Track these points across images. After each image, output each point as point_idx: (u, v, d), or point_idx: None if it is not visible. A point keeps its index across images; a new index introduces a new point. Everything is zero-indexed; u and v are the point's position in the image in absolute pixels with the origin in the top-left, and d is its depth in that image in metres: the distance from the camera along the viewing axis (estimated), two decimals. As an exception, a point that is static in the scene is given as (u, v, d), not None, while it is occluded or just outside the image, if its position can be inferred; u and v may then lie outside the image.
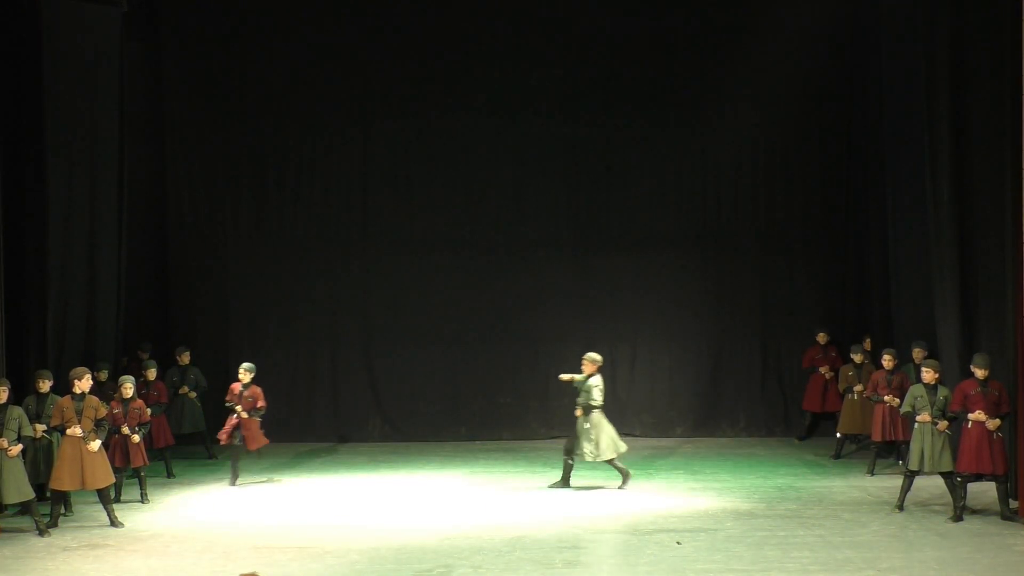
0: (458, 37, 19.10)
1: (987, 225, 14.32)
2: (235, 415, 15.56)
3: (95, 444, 13.31)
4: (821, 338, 18.34)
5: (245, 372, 15.67)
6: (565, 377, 15.18)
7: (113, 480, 13.75)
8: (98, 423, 13.42)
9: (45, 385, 13.85)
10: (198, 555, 12.08)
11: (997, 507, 13.41)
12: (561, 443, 18.65)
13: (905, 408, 13.83)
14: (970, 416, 13.14)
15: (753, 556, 11.76)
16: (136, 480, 14.66)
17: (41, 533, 12.94)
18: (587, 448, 14.86)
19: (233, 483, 15.52)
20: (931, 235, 15.23)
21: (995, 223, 14.11)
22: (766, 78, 19.09)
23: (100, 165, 16.01)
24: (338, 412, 19.27)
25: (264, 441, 15.79)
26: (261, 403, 15.67)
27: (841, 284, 19.34)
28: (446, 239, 19.25)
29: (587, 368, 14.99)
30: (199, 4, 19.03)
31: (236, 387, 15.67)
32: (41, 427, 13.62)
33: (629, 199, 19.28)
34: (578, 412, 14.97)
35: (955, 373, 14.26)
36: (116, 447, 14.30)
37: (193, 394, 17.42)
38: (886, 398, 15.71)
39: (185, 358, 17.56)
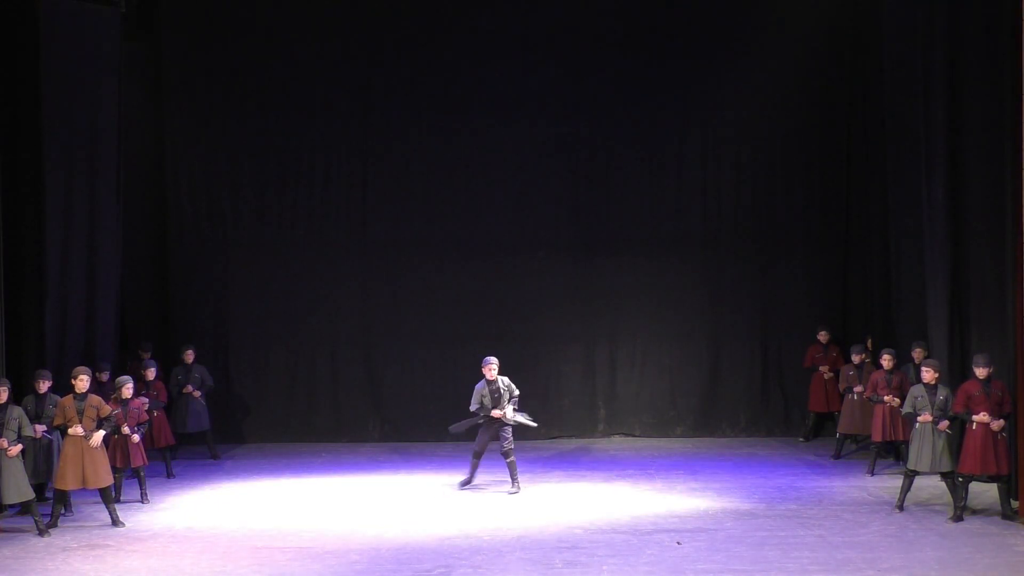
0: (459, 37, 19.08)
1: (982, 226, 14.35)
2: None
3: (98, 437, 13.30)
4: (822, 337, 18.34)
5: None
6: (502, 414, 15.06)
7: (112, 480, 13.75)
8: (103, 421, 13.43)
9: (43, 385, 13.84)
10: (198, 555, 12.08)
11: (997, 507, 13.43)
12: (561, 444, 18.78)
13: (906, 409, 13.82)
14: (974, 417, 13.13)
15: (753, 556, 11.76)
16: (136, 480, 14.66)
17: (41, 533, 12.95)
18: (526, 420, 15.11)
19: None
20: (925, 235, 15.27)
21: (990, 224, 14.13)
22: (766, 78, 19.07)
23: (99, 165, 16.01)
24: (338, 412, 19.25)
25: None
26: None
27: (841, 284, 19.34)
28: (446, 239, 19.23)
29: (496, 371, 15.06)
30: (199, 5, 19.01)
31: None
32: (41, 428, 13.63)
33: (629, 199, 19.25)
34: (501, 413, 14.96)
35: (946, 373, 14.26)
36: (116, 447, 14.30)
37: (198, 393, 17.40)
38: (886, 398, 15.72)
39: (189, 356, 17.53)
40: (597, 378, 19.39)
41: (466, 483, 15.26)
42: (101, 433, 13.39)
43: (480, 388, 15.06)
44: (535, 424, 15.41)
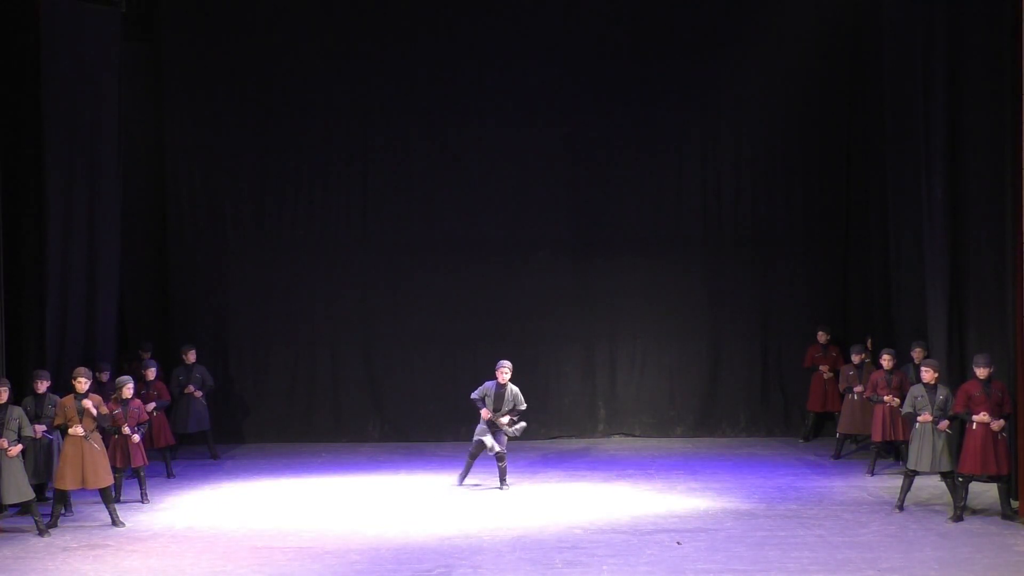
0: (458, 38, 19.07)
1: (982, 226, 14.35)
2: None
3: (87, 403, 13.26)
4: (821, 337, 18.33)
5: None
6: (504, 419, 15.13)
7: (112, 480, 13.75)
8: (100, 417, 13.41)
9: (42, 385, 13.85)
10: (198, 555, 12.09)
11: (997, 507, 13.43)
12: (561, 444, 18.78)
13: (906, 409, 13.82)
14: (975, 418, 13.13)
15: (753, 556, 11.76)
16: (136, 480, 14.66)
17: (41, 533, 12.96)
18: (497, 445, 15.06)
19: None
20: (925, 235, 15.27)
21: (990, 224, 14.14)
22: (766, 79, 19.08)
23: (99, 165, 16.01)
24: (338, 412, 19.25)
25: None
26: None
27: (841, 284, 19.33)
28: (446, 239, 19.23)
29: (509, 375, 15.10)
30: (199, 5, 19.01)
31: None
32: (41, 428, 13.63)
33: (629, 200, 19.25)
34: (505, 420, 15.03)
35: (946, 373, 14.27)
36: (116, 447, 14.29)
37: (199, 393, 17.39)
38: (886, 398, 15.72)
39: (191, 356, 17.51)
40: (597, 378, 19.39)
41: (459, 482, 15.31)
42: (90, 403, 13.29)
43: (489, 386, 15.16)
44: (503, 420, 15.17)
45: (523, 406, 15.20)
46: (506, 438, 15.19)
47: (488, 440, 15.06)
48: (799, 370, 18.78)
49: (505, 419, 15.09)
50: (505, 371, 15.12)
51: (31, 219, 15.10)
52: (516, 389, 15.19)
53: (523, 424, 15.23)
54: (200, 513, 14.06)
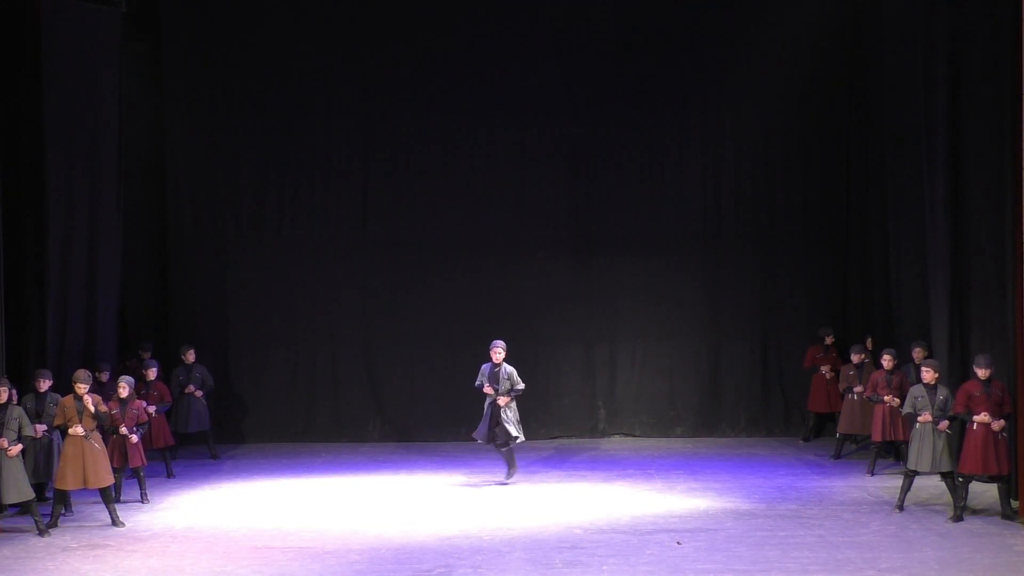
0: (458, 38, 19.07)
1: (982, 225, 14.35)
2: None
3: (87, 400, 13.25)
4: (828, 339, 18.23)
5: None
6: (502, 400, 15.35)
7: (113, 480, 13.76)
8: (98, 415, 13.37)
9: (44, 384, 13.85)
10: (198, 555, 12.09)
11: (997, 507, 13.43)
12: (560, 444, 18.78)
13: (906, 410, 13.82)
14: (975, 418, 13.13)
15: (753, 556, 11.77)
16: (136, 480, 14.66)
17: (41, 533, 12.96)
18: (515, 432, 15.31)
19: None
20: (925, 235, 15.28)
21: (991, 224, 14.14)
22: (766, 79, 19.07)
23: (100, 165, 16.02)
24: (338, 412, 19.25)
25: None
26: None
27: (841, 284, 19.33)
28: (446, 239, 19.23)
29: (502, 355, 15.36)
30: (199, 5, 19.01)
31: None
32: (41, 427, 13.64)
33: (629, 200, 19.25)
34: (503, 400, 15.27)
35: (946, 373, 14.27)
36: (114, 447, 14.28)
37: (199, 393, 17.39)
38: (886, 398, 15.71)
39: (190, 356, 17.50)
40: (597, 378, 19.38)
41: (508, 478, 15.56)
42: (85, 387, 13.28)
43: (484, 368, 15.48)
44: (500, 401, 15.36)
45: (520, 386, 15.39)
46: (513, 431, 15.27)
47: (485, 434, 15.43)
48: (799, 370, 18.76)
49: (502, 400, 15.24)
50: (499, 351, 15.37)
51: (31, 219, 15.11)
52: (511, 369, 15.39)
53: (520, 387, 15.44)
54: (200, 513, 14.06)
